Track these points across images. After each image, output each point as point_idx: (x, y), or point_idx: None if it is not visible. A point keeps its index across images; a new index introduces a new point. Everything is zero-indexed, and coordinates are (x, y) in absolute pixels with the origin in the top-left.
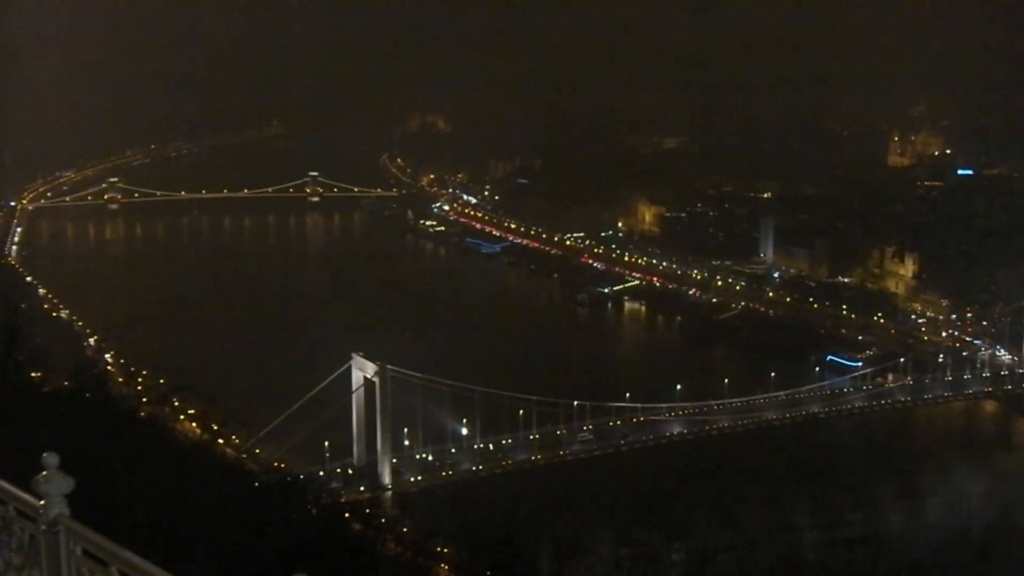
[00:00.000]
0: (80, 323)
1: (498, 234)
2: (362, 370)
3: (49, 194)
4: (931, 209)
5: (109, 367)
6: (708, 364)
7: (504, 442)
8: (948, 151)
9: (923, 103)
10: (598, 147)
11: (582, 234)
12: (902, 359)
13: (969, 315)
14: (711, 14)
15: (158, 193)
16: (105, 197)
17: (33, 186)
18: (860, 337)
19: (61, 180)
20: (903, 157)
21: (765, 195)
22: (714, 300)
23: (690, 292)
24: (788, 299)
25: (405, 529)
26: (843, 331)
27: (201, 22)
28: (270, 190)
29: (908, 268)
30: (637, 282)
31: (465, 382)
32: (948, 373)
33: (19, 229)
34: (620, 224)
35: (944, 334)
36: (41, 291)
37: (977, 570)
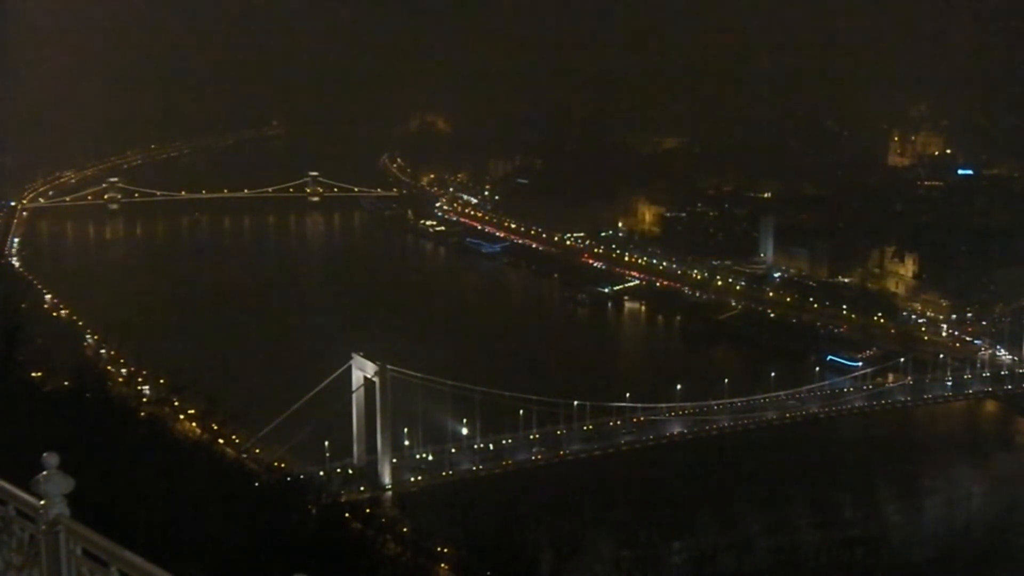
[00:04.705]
0: (80, 323)
1: (498, 234)
2: (362, 370)
3: (49, 194)
4: (931, 209)
5: (109, 367)
6: (708, 364)
7: (504, 442)
8: (948, 151)
9: (923, 103)
10: (598, 147)
11: (582, 234)
12: (902, 359)
13: (969, 315)
14: (711, 14)
15: (158, 193)
16: (105, 197)
17: (33, 186)
18: (860, 337)
19: (61, 180)
20: (903, 157)
21: (765, 195)
22: (714, 300)
23: (690, 292)
24: (788, 299)
25: (405, 529)
26: (843, 331)
27: (201, 22)
28: (270, 190)
29: (908, 268)
30: (637, 282)
31: (465, 382)
32: (948, 373)
33: (18, 230)
34: (620, 224)
35: (944, 334)
36: (41, 291)
37: (977, 570)
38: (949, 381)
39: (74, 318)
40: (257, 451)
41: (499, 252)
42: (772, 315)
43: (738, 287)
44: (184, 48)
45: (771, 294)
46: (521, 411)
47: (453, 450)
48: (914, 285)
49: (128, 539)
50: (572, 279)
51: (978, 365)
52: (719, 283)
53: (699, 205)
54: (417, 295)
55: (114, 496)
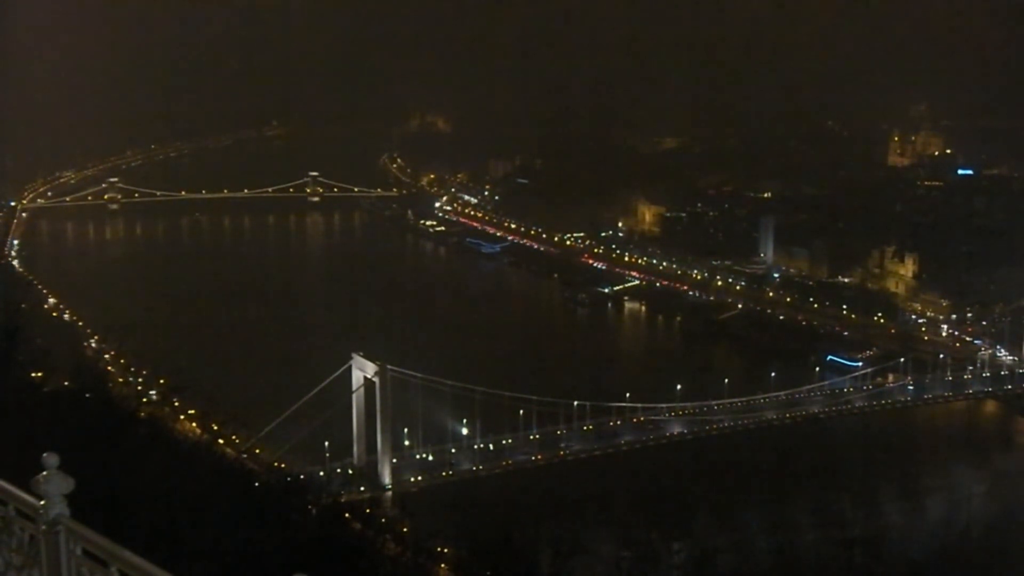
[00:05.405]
0: (80, 323)
1: (498, 234)
2: (362, 370)
3: (49, 194)
4: (931, 209)
5: (109, 367)
6: (708, 364)
7: (504, 442)
8: (948, 151)
9: (923, 103)
10: (598, 147)
11: (582, 234)
12: (902, 359)
13: (969, 315)
14: (712, 15)
15: (158, 193)
16: (105, 197)
17: (33, 186)
18: (860, 337)
19: (61, 180)
20: (903, 157)
21: (765, 195)
22: (714, 300)
23: (690, 292)
24: (788, 299)
25: (405, 529)
26: (843, 331)
27: (201, 22)
28: (270, 190)
29: (908, 268)
30: (637, 282)
31: (465, 382)
32: (948, 373)
33: (18, 231)
34: (620, 224)
35: (944, 334)
36: (41, 291)
37: (977, 570)
38: (949, 381)
39: (74, 318)
40: (257, 451)
41: (499, 252)
42: (772, 315)
43: (738, 287)
44: (184, 48)
45: (771, 294)
46: (521, 411)
47: (453, 450)
48: (914, 285)
49: (128, 539)
50: (572, 279)
51: (978, 365)
52: (719, 283)
53: (699, 205)
54: (417, 295)
55: (114, 496)
